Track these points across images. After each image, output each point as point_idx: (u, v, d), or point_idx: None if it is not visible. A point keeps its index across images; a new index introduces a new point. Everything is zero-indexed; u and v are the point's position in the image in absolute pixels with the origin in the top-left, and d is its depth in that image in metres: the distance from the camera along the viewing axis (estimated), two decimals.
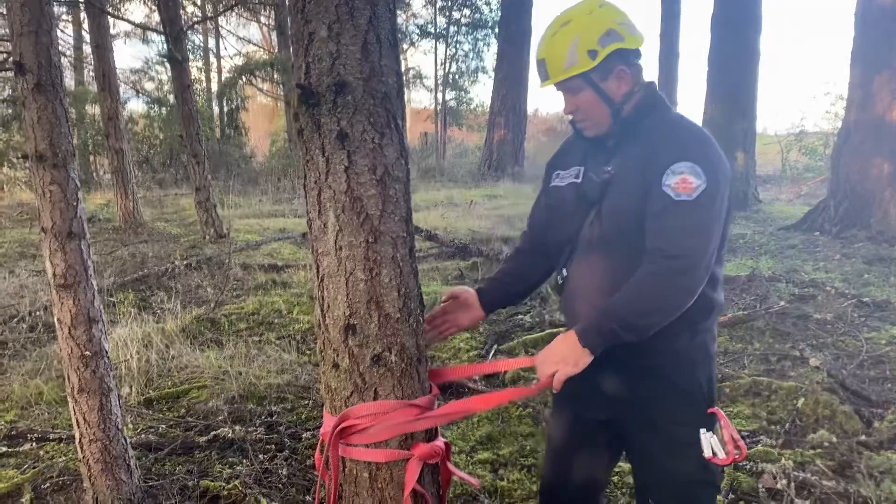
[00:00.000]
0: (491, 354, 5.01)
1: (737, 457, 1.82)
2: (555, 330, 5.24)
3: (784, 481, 3.03)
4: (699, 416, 1.88)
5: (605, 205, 1.86)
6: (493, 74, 22.96)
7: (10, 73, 15.89)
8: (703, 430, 1.86)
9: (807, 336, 5.12)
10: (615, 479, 3.25)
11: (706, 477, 1.91)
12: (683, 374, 1.90)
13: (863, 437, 3.51)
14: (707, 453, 1.83)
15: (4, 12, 16.33)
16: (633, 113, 1.89)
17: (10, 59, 2.98)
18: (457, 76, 29.13)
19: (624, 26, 1.85)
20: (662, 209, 1.72)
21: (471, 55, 28.71)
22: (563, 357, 1.77)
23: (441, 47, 28.46)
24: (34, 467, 3.46)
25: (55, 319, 2.92)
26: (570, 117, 1.96)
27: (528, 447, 3.60)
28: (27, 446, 3.70)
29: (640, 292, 1.72)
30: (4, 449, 3.66)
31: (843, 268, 7.35)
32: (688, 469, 1.90)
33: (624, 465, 3.36)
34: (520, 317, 5.88)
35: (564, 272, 1.99)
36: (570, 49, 1.82)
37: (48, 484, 3.29)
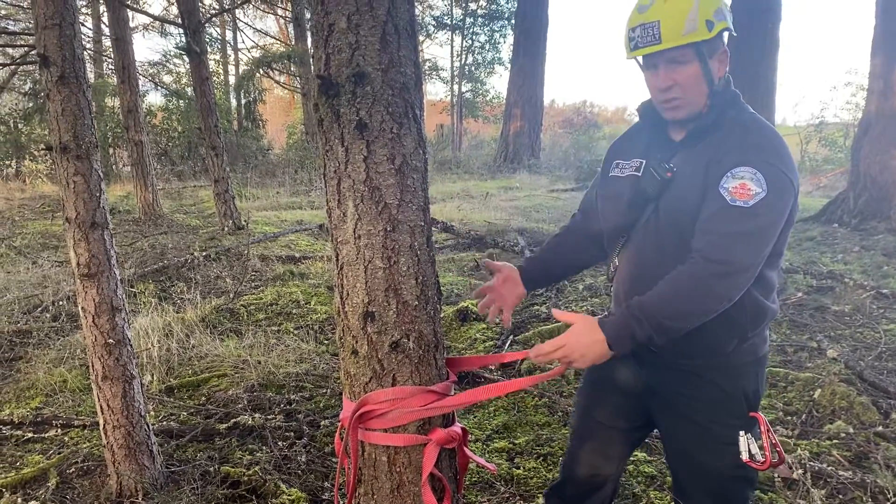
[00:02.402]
0: (507, 345, 5.03)
1: (775, 462, 1.77)
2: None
3: (800, 471, 3.03)
4: (740, 418, 1.85)
5: (664, 203, 1.81)
6: (509, 66, 22.95)
7: (32, 67, 16.08)
8: (741, 433, 1.82)
9: (824, 327, 5.10)
10: (630, 467, 3.26)
11: (742, 474, 1.88)
12: (728, 377, 1.87)
13: (880, 428, 3.50)
14: (744, 456, 1.80)
15: (27, 5, 16.51)
16: (709, 107, 1.81)
17: (34, 52, 3.03)
18: (473, 68, 29.13)
19: (727, 10, 1.78)
20: (715, 212, 1.66)
21: (487, 46, 28.71)
22: (584, 352, 1.72)
23: (457, 39, 28.48)
24: (59, 453, 3.53)
25: (79, 308, 2.98)
26: (663, 95, 1.82)
27: (544, 436, 3.62)
28: (52, 432, 3.78)
29: (675, 293, 1.66)
30: (30, 435, 3.74)
31: (861, 260, 7.29)
32: (723, 466, 1.88)
33: (639, 454, 3.38)
34: (536, 308, 5.90)
35: (616, 262, 1.97)
36: (690, 13, 1.71)
37: (73, 469, 3.36)
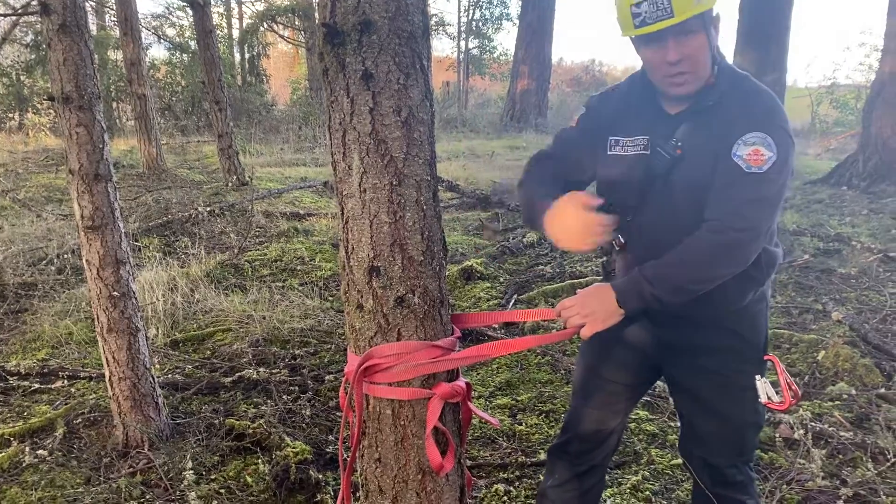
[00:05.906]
0: (511, 304, 5.04)
1: (793, 401, 1.81)
2: (575, 281, 5.25)
3: (801, 431, 3.05)
4: (756, 363, 1.91)
5: (676, 178, 1.80)
6: (517, 22, 22.54)
7: (34, 18, 15.87)
8: (758, 377, 1.88)
9: (830, 290, 5.09)
10: (632, 426, 3.29)
11: (756, 419, 1.96)
12: (745, 325, 1.91)
13: (882, 390, 3.51)
14: (763, 398, 1.86)
15: None
16: (716, 78, 1.80)
17: (35, 1, 2.98)
18: (480, 23, 28.61)
19: None
20: (731, 181, 1.69)
21: (495, 1, 28.14)
22: (593, 311, 1.76)
23: None
24: (66, 403, 3.57)
25: (84, 261, 2.98)
26: (671, 69, 1.75)
27: (546, 393, 3.64)
28: (59, 383, 3.82)
29: (697, 259, 1.70)
30: (37, 385, 3.78)
31: (870, 223, 7.25)
32: (741, 413, 1.93)
33: (641, 413, 3.40)
34: (540, 267, 5.89)
35: (621, 238, 1.94)
36: None
37: (80, 419, 3.40)
